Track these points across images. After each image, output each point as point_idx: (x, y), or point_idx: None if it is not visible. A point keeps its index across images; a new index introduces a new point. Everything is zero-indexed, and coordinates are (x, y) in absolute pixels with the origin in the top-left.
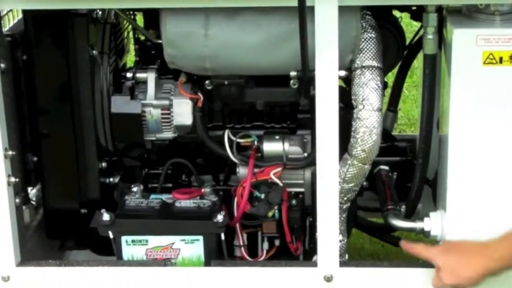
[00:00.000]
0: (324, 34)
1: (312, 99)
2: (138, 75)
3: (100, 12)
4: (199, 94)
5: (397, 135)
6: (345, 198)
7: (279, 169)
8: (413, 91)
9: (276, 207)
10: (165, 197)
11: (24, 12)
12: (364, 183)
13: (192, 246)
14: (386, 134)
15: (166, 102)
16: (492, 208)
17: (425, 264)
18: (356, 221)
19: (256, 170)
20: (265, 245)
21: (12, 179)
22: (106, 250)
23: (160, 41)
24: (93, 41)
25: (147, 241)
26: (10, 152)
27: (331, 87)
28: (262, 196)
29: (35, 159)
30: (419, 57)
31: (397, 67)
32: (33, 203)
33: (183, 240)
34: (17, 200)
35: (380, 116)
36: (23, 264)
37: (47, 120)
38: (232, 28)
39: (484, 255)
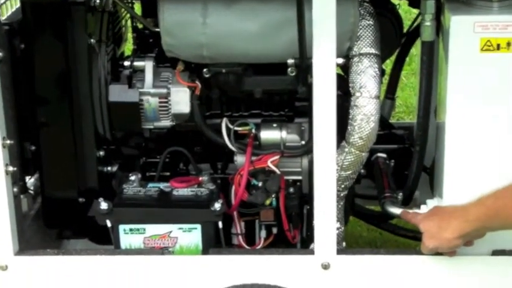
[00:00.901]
0: (321, 21)
1: (309, 87)
2: (136, 63)
3: (98, 1)
4: (197, 82)
5: (395, 122)
6: (343, 186)
7: (277, 157)
8: (411, 78)
9: (273, 195)
10: (163, 185)
11: (22, 1)
12: (362, 170)
13: (190, 235)
14: (383, 122)
15: (164, 90)
16: None
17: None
18: (353, 208)
19: (253, 158)
20: (263, 233)
21: (10, 168)
22: (104, 239)
23: (158, 30)
24: (91, 29)
25: (144, 230)
26: (8, 141)
27: (328, 75)
28: (260, 184)
29: (33, 148)
30: (418, 44)
31: (395, 54)
32: (31, 192)
33: (180, 228)
34: (15, 189)
35: (378, 104)
36: (21, 253)
37: (45, 109)
38: (230, 16)
39: (460, 217)
